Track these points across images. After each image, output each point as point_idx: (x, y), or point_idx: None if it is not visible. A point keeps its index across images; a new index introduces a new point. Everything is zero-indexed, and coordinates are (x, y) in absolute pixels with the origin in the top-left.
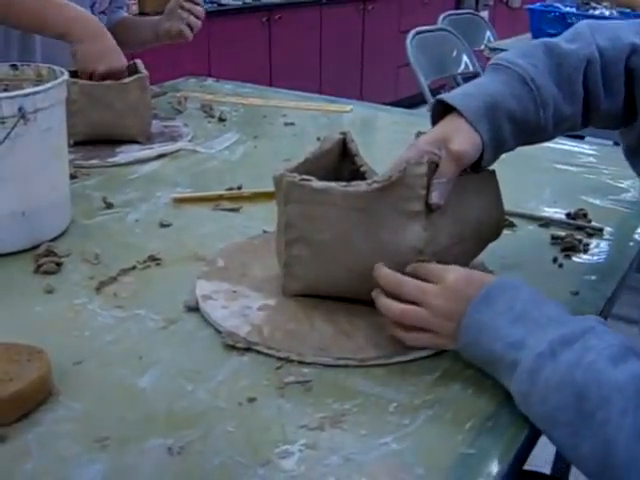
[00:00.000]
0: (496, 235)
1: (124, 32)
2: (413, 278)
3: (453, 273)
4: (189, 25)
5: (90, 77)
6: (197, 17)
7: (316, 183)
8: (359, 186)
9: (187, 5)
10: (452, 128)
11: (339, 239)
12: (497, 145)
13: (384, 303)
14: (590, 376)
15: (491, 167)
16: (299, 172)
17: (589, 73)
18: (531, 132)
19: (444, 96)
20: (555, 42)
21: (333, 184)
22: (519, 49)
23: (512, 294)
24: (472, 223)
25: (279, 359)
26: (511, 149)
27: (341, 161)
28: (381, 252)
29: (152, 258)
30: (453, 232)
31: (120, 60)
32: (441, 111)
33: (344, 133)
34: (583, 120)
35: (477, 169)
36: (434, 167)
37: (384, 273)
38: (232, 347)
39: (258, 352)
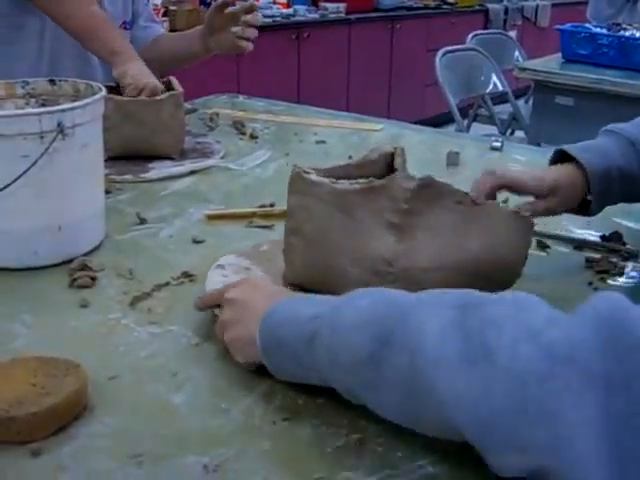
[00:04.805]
0: (507, 282)
1: (169, 46)
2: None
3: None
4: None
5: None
6: (253, 26)
7: (315, 176)
8: (345, 184)
9: (248, 18)
10: (563, 178)
11: (320, 233)
12: (605, 195)
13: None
14: (393, 308)
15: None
16: (334, 173)
17: None
18: (634, 184)
19: (565, 147)
20: None
21: (327, 180)
22: (632, 122)
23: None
24: (466, 257)
25: None
26: (614, 203)
27: (385, 174)
28: (355, 254)
29: (186, 274)
30: (435, 256)
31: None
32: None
33: (396, 147)
34: None
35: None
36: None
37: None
38: None
39: None
